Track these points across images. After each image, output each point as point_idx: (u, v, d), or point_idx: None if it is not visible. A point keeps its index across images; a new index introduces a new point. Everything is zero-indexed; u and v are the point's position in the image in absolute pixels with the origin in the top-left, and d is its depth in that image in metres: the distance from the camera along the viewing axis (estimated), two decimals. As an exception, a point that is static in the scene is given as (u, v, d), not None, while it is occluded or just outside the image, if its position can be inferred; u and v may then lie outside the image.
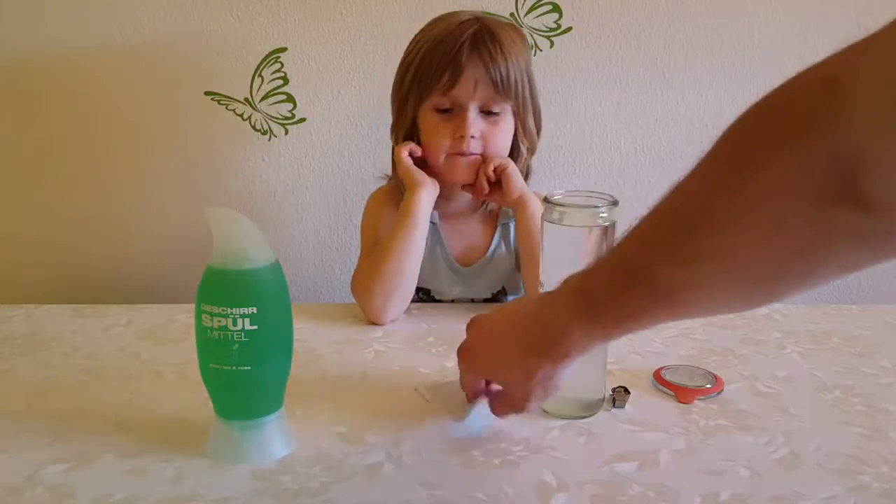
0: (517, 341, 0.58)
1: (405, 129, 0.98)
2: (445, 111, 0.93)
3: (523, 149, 0.99)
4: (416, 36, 0.97)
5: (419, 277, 0.96)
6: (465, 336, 0.63)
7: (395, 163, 1.00)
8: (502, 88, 0.91)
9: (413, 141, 0.98)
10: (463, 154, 0.93)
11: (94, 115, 1.24)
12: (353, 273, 0.98)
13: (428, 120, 0.95)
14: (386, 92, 1.01)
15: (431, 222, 0.99)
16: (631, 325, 0.51)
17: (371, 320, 0.92)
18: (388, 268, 0.92)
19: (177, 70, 1.21)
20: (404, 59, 0.97)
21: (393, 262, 0.92)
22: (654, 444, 0.63)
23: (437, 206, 0.98)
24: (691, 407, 0.69)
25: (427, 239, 0.97)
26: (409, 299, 0.94)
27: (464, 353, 0.64)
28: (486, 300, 1.03)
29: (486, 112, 0.93)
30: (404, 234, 0.92)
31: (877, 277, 1.35)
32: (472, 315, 0.64)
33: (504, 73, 0.90)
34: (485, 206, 1.03)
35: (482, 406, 0.65)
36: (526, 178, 1.01)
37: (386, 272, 0.92)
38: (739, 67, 1.22)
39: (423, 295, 1.02)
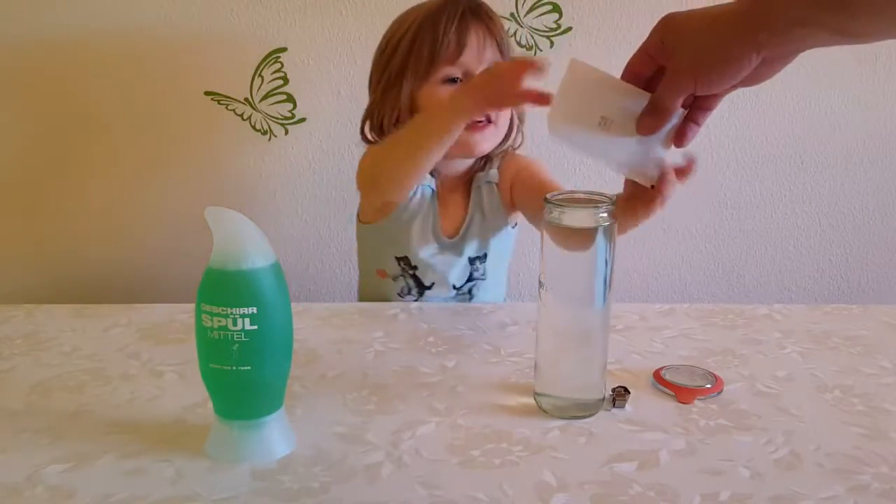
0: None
1: (394, 111, 0.97)
2: (452, 81, 0.95)
3: (515, 115, 1.02)
4: (395, 22, 0.99)
5: (402, 245, 0.99)
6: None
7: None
8: (506, 49, 0.96)
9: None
10: (479, 120, 0.94)
11: (93, 115, 1.24)
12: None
13: (437, 93, 0.95)
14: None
15: (430, 188, 1.01)
16: (800, 32, 0.50)
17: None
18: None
19: (177, 70, 1.21)
20: (388, 41, 0.99)
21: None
22: (653, 444, 0.63)
23: (437, 176, 1.02)
24: (691, 407, 0.69)
25: (422, 206, 1.00)
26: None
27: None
28: (458, 288, 1.03)
29: None
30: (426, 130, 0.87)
31: (877, 277, 1.36)
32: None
33: (502, 37, 0.96)
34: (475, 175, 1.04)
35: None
36: (520, 146, 1.06)
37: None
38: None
39: (405, 265, 1.02)
